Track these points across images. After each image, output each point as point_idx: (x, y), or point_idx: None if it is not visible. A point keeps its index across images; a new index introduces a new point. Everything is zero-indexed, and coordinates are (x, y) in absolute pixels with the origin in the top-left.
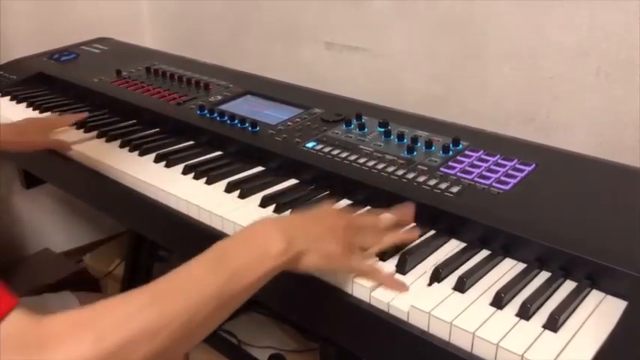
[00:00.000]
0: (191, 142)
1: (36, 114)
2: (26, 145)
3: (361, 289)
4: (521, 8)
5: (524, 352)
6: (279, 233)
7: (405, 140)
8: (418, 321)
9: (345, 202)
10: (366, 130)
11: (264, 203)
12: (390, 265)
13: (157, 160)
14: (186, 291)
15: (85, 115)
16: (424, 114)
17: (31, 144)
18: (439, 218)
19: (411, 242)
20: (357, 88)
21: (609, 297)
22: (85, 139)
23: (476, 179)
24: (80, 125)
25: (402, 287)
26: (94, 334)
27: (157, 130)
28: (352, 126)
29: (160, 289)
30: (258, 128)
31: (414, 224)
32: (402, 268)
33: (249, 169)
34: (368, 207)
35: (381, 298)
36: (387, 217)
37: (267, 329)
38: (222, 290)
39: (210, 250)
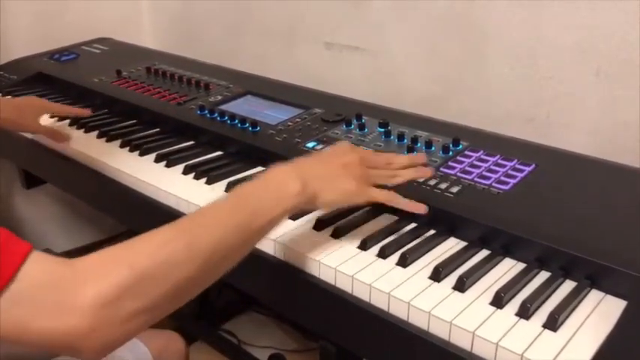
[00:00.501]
0: (191, 142)
1: None
2: (22, 128)
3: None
4: (521, 8)
5: (524, 351)
6: (294, 176)
7: (405, 140)
8: (418, 320)
9: None
10: (366, 130)
11: None
12: (389, 263)
13: (157, 160)
14: (208, 227)
15: (88, 112)
16: (424, 114)
17: (26, 127)
18: (439, 218)
19: (425, 178)
20: (357, 88)
21: (609, 297)
22: (85, 139)
23: (476, 179)
24: (80, 125)
25: (421, 208)
26: (126, 263)
27: (157, 130)
28: (352, 126)
29: (185, 225)
30: (258, 128)
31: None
32: (402, 266)
33: (249, 169)
34: (368, 208)
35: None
36: (400, 157)
37: (267, 329)
38: (243, 226)
39: (230, 194)
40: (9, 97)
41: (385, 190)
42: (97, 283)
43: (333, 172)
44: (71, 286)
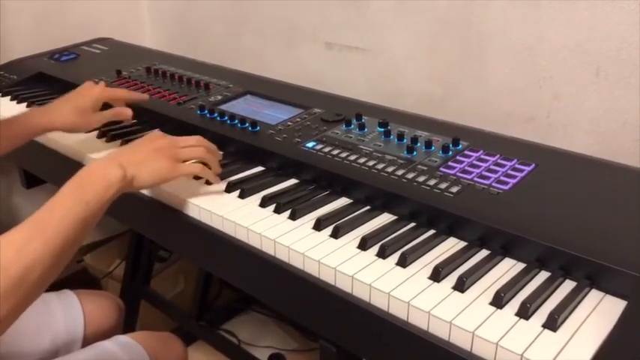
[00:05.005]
0: None
1: None
2: (87, 127)
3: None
4: (521, 8)
5: (524, 351)
6: (115, 165)
7: (405, 140)
8: (418, 320)
9: (343, 200)
10: (365, 130)
11: (264, 203)
12: (389, 263)
13: None
14: (57, 220)
15: (146, 97)
16: (424, 114)
17: (90, 124)
18: (439, 218)
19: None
20: (357, 88)
21: (608, 296)
22: (86, 139)
23: (475, 179)
24: None
25: (218, 179)
26: (1, 271)
27: (157, 130)
28: (352, 126)
29: (36, 223)
30: (258, 128)
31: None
32: (402, 266)
33: (249, 169)
34: (367, 207)
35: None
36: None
37: (267, 329)
38: (82, 215)
39: (63, 189)
40: (61, 97)
41: (194, 165)
42: None
43: (147, 156)
44: None
